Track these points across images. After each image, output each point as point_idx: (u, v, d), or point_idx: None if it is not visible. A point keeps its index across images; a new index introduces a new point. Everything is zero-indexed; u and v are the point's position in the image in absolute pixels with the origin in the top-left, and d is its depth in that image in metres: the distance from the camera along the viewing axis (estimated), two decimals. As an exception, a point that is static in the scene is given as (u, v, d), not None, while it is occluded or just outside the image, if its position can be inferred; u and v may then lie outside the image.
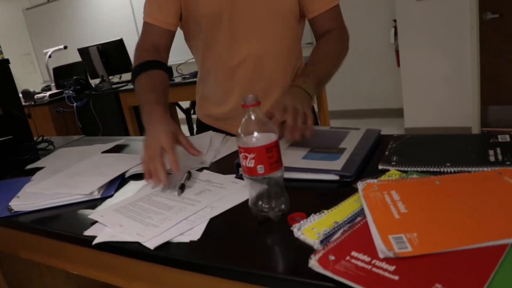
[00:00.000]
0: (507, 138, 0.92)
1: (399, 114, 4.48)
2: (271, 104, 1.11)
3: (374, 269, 0.55)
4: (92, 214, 0.91)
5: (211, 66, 1.34)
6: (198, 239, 0.74)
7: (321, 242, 0.64)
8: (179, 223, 0.80)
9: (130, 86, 4.30)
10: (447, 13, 3.79)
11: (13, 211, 1.03)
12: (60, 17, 6.92)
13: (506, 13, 3.64)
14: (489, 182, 0.73)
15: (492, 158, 0.83)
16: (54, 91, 4.34)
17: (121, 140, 1.52)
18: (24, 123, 1.69)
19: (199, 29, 1.28)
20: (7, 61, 1.65)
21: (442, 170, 0.83)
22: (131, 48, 4.34)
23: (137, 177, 1.11)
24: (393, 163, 0.89)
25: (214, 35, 1.26)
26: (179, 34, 1.33)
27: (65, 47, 4.39)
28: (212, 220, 0.80)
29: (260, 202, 0.76)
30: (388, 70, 4.86)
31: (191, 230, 0.77)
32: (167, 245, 0.75)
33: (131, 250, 0.77)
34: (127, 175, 1.14)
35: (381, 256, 0.57)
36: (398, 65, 4.28)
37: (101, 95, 4.29)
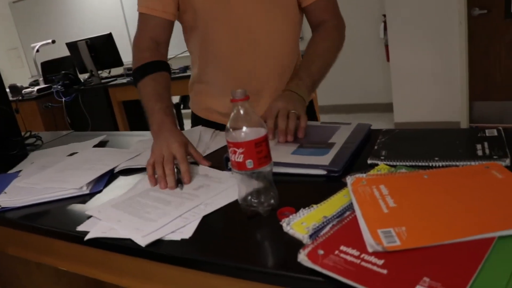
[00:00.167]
0: (495, 132, 0.93)
1: (389, 109, 4.50)
2: (268, 101, 1.10)
3: (363, 263, 0.55)
4: (89, 210, 0.89)
5: (209, 59, 1.32)
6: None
7: (310, 236, 0.64)
8: (174, 220, 0.79)
9: (119, 81, 4.27)
10: (436, 8, 3.81)
11: (0, 207, 1.02)
12: (48, 10, 6.84)
13: (493, 9, 3.67)
14: (477, 176, 0.73)
15: (479, 153, 0.83)
16: (42, 86, 4.30)
17: (102, 136, 1.51)
18: (11, 118, 1.67)
19: (196, 21, 1.25)
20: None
21: (430, 164, 0.83)
22: (120, 43, 4.37)
23: (126, 172, 1.11)
24: (382, 157, 0.89)
25: (212, 26, 1.24)
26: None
27: (53, 41, 4.35)
28: (203, 216, 0.80)
29: (249, 197, 0.76)
30: (377, 65, 4.87)
31: (183, 228, 0.77)
32: (158, 241, 0.74)
33: (122, 246, 0.76)
34: (116, 170, 1.13)
35: (370, 250, 0.57)
36: (388, 60, 4.29)
37: (90, 90, 4.25)
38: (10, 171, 1.31)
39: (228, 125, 0.75)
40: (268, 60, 1.28)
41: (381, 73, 4.84)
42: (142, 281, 0.83)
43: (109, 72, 4.64)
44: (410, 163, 0.85)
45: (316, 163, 0.89)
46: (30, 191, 1.06)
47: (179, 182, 0.95)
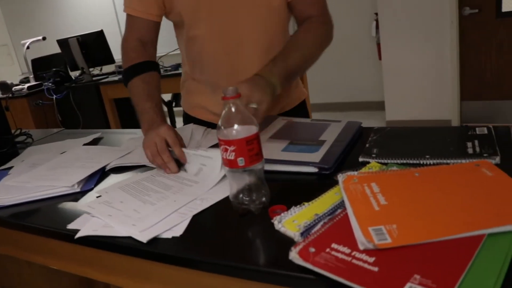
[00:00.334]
0: (485, 130, 0.93)
1: (381, 107, 4.52)
2: None
3: (354, 261, 0.55)
4: (82, 206, 0.90)
5: (196, 58, 1.32)
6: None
7: (302, 234, 0.64)
8: (171, 215, 0.80)
9: (111, 78, 4.25)
10: (427, 7, 3.83)
11: (-11, 205, 1.01)
12: (39, 7, 6.78)
13: (484, 8, 3.69)
14: (467, 174, 0.74)
15: (470, 151, 0.84)
16: (32, 83, 4.28)
17: (97, 134, 1.50)
18: (1, 116, 1.66)
19: (181, 21, 1.25)
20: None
21: (421, 162, 0.84)
22: (111, 40, 4.34)
23: (118, 170, 1.10)
24: (374, 155, 0.90)
25: (196, 27, 1.23)
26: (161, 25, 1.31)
27: (44, 38, 4.32)
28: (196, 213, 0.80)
29: (240, 195, 0.75)
30: (369, 63, 4.89)
31: (175, 227, 0.76)
32: (151, 239, 0.74)
33: (114, 244, 0.76)
34: (107, 168, 1.13)
35: (361, 247, 0.58)
36: (380, 58, 4.31)
37: (81, 88, 4.23)
38: (-1, 168, 1.30)
39: (219, 122, 0.74)
40: (254, 59, 1.24)
41: (373, 72, 4.86)
42: (134, 279, 0.82)
43: (101, 69, 4.61)
44: (402, 161, 0.85)
45: (307, 160, 0.89)
46: (21, 189, 1.05)
47: (180, 165, 1.00)
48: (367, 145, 0.96)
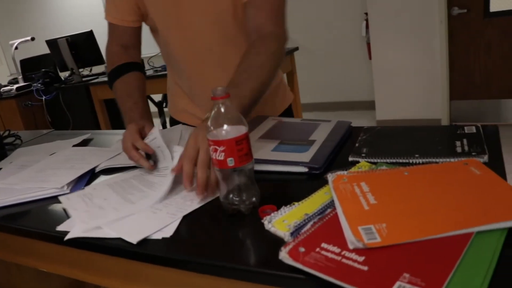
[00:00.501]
0: (473, 129, 0.94)
1: (371, 107, 4.54)
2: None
3: (344, 260, 0.55)
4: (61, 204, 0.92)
5: (171, 63, 1.33)
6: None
7: (292, 234, 0.64)
8: (160, 215, 0.80)
9: (101, 79, 4.23)
10: (417, 6, 3.85)
11: (-23, 208, 1.00)
12: (27, 7, 6.72)
13: (473, 8, 3.73)
14: (456, 173, 0.74)
15: (459, 149, 0.84)
16: (21, 84, 4.24)
17: (87, 135, 1.49)
18: (-11, 117, 1.64)
19: (155, 27, 1.25)
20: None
21: (410, 161, 0.84)
22: (101, 40, 4.28)
23: (107, 171, 1.10)
24: (363, 154, 0.90)
25: (168, 34, 1.23)
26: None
27: (33, 39, 4.28)
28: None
29: (230, 195, 0.75)
30: (360, 63, 4.91)
31: (166, 228, 0.76)
32: (140, 240, 0.74)
33: (103, 246, 0.76)
34: (97, 169, 1.12)
35: (350, 247, 0.58)
36: (370, 58, 4.33)
37: (71, 88, 4.20)
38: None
39: (208, 123, 0.74)
40: (224, 66, 1.22)
41: (363, 71, 4.88)
42: (124, 281, 0.82)
43: (90, 70, 4.59)
44: (391, 160, 0.86)
45: (297, 160, 0.90)
46: (9, 191, 1.04)
47: (149, 158, 1.01)
48: (356, 145, 0.96)
